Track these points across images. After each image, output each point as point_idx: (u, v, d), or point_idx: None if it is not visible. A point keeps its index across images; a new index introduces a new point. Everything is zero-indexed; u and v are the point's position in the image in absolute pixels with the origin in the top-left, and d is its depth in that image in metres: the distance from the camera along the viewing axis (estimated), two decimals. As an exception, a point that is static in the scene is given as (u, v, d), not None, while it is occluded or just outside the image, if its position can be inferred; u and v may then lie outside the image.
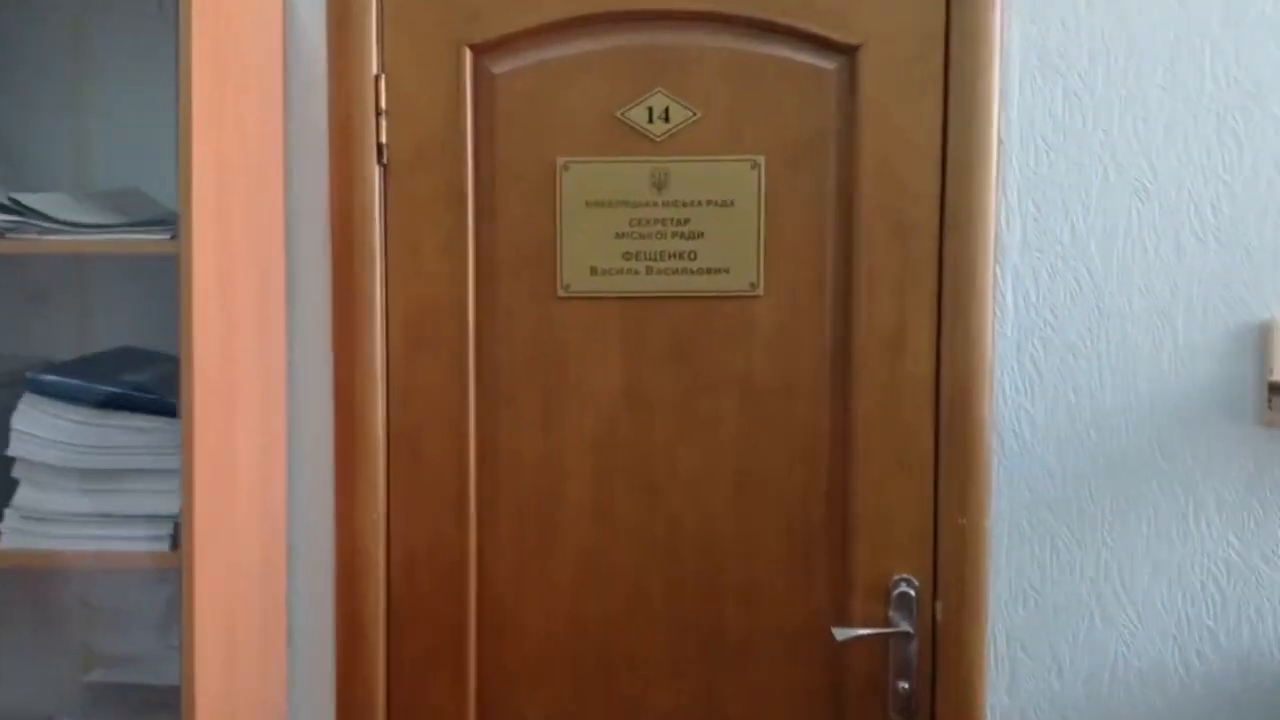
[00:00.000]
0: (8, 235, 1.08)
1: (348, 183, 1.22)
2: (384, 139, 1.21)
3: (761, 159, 1.21)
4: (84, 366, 1.18)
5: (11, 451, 1.10)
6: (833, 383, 1.23)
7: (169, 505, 1.07)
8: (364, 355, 1.23)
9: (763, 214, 1.21)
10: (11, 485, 1.12)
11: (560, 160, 1.22)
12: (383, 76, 1.21)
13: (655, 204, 1.22)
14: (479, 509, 1.26)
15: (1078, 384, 1.20)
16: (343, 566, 1.25)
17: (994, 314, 1.20)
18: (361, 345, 1.23)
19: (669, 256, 1.22)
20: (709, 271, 1.22)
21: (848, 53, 1.19)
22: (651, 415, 1.24)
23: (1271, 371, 1.18)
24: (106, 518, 1.10)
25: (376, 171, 1.22)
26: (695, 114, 1.20)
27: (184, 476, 1.04)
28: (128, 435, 1.10)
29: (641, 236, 1.22)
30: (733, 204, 1.22)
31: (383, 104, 1.21)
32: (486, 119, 1.22)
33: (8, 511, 1.11)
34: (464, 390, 1.24)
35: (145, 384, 1.13)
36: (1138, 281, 1.20)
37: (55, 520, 1.10)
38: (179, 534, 1.06)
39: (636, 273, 1.23)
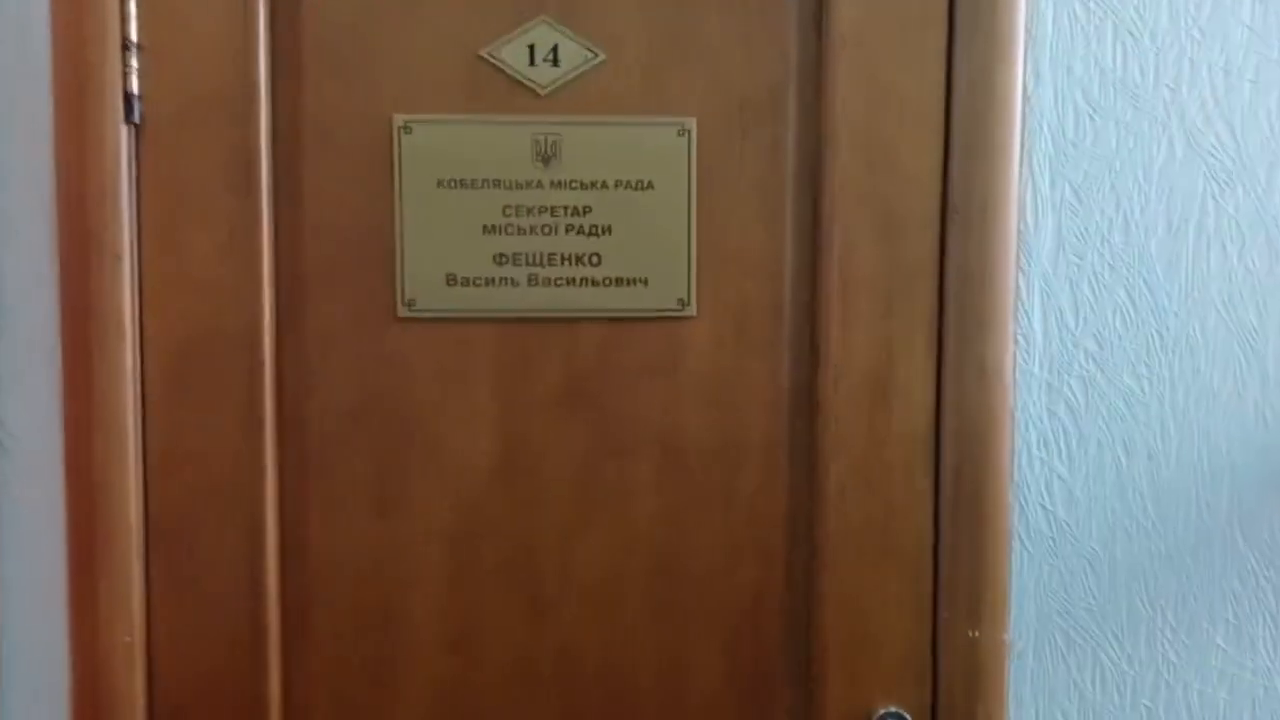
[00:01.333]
0: None
1: (79, 150, 0.88)
2: (135, 86, 0.88)
3: (692, 123, 0.92)
4: None
5: None
6: (792, 442, 0.94)
7: None
8: (107, 405, 0.89)
9: (694, 201, 0.92)
10: None
11: (399, 119, 0.91)
12: (130, -9, 0.90)
13: (540, 184, 0.92)
14: (283, 632, 0.93)
15: (1131, 441, 0.94)
16: (81, 714, 0.92)
17: (1016, 344, 0.95)
18: (103, 390, 0.89)
19: (561, 261, 0.93)
20: (619, 283, 0.93)
21: (814, -29, 0.93)
22: (536, 492, 0.93)
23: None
24: None
25: (124, 134, 0.88)
26: (597, 55, 0.90)
27: None
28: None
29: (521, 232, 0.93)
30: (651, 186, 0.93)
31: (133, 34, 0.88)
32: (290, 60, 0.90)
33: None
34: (258, 456, 0.91)
35: None
36: (1214, 299, 0.94)
37: None
38: None
39: (514, 284, 0.92)
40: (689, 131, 0.92)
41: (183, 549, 0.92)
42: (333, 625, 0.94)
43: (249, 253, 0.91)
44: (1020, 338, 0.93)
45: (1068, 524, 0.94)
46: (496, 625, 0.94)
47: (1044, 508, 0.94)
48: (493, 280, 0.93)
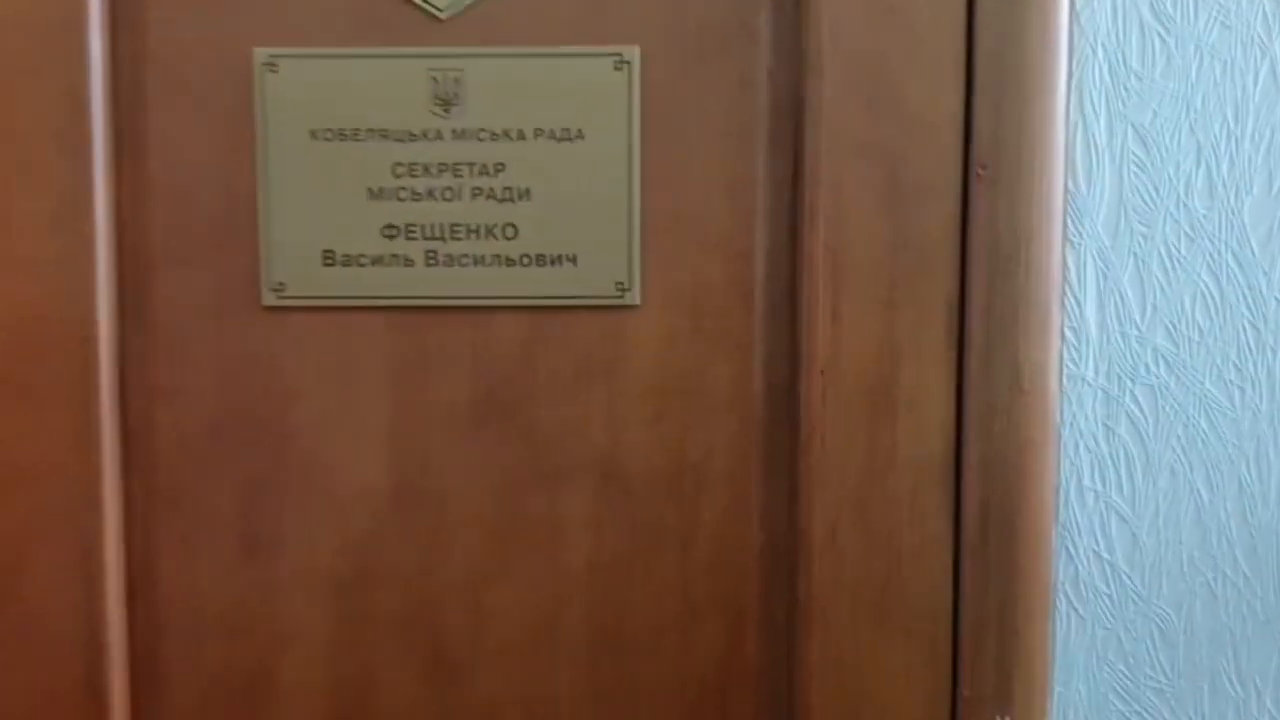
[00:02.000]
0: None
1: None
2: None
3: (634, 53, 0.74)
4: None
5: None
6: (767, 468, 0.76)
7: None
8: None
9: (637, 155, 0.73)
10: None
11: (260, 55, 0.74)
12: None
13: (440, 135, 0.75)
14: (130, 698, 0.77)
15: (1215, 469, 0.75)
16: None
17: (1063, 341, 0.77)
18: (-95, 396, 0.79)
19: (468, 233, 0.75)
20: (541, 261, 0.75)
21: None
22: (442, 528, 0.77)
23: None
24: None
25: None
26: (513, -32, 0.76)
27: None
28: None
29: (416, 196, 0.75)
30: (581, 136, 0.76)
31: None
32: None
33: None
34: (96, 479, 0.75)
35: None
36: (1331, 281, 0.75)
37: None
38: None
39: (408, 262, 0.75)
40: (630, 64, 0.74)
41: (0, 594, 0.81)
42: (191, 689, 0.79)
43: (80, 224, 0.77)
44: (1069, 333, 0.75)
45: (1130, 578, 0.76)
46: (391, 692, 0.77)
47: (1099, 556, 0.76)
48: (382, 258, 0.76)
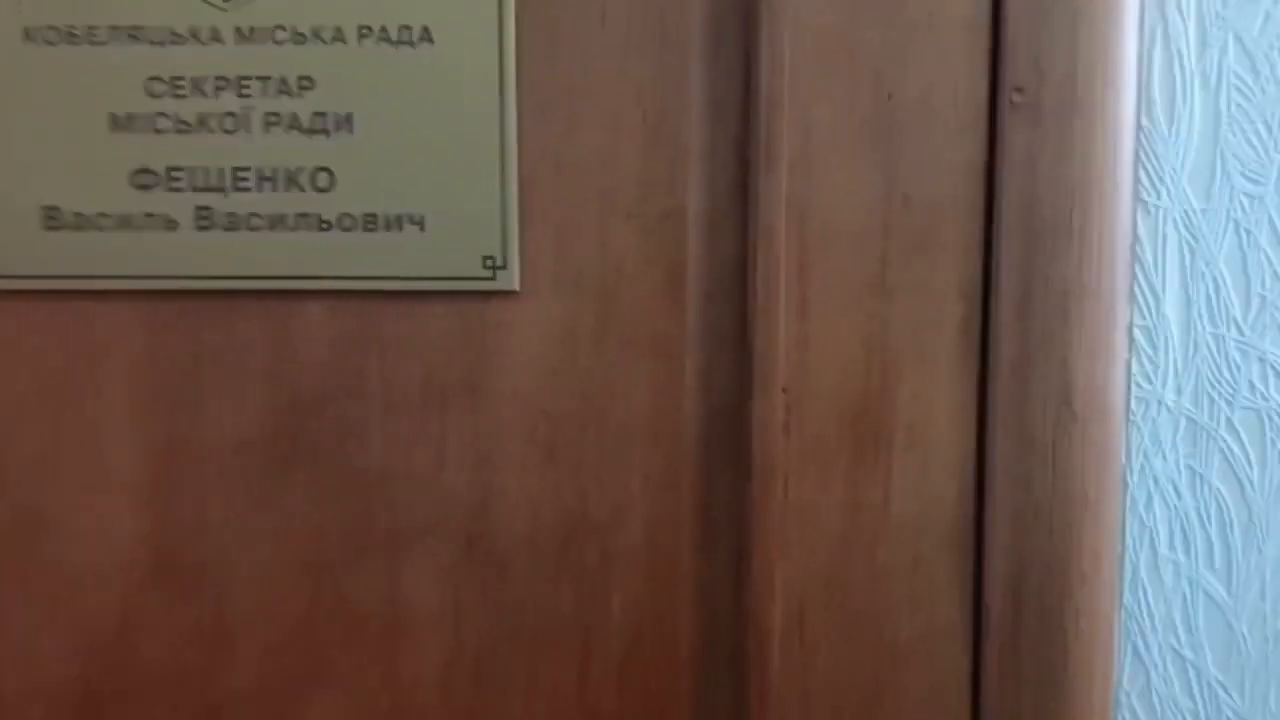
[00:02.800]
0: None
1: None
2: None
3: (509, -84, 0.59)
4: None
5: None
6: (705, 525, 0.56)
7: None
8: None
9: (512, 68, 0.52)
10: None
11: (-55, -91, 0.59)
12: None
13: (219, 35, 0.52)
14: None
15: None
16: None
17: (1132, 348, 0.58)
18: None
19: (261, 181, 0.53)
20: (370, 224, 0.53)
21: None
22: (225, 619, 0.55)
23: None
24: None
25: None
26: None
27: None
28: None
29: (183, 127, 0.52)
30: (429, 38, 0.55)
31: None
32: None
33: None
34: None
35: None
36: None
37: None
38: None
39: (171, 224, 0.52)
40: (500, -68, 0.58)
41: None
42: None
43: None
44: (1139, 336, 0.57)
45: (1225, 688, 0.57)
46: None
47: (1180, 656, 0.58)
48: (131, 219, 0.54)
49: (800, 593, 0.56)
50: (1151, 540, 0.57)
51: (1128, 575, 0.57)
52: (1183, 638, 0.57)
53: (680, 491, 0.55)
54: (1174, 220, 0.55)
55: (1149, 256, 0.55)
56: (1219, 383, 0.55)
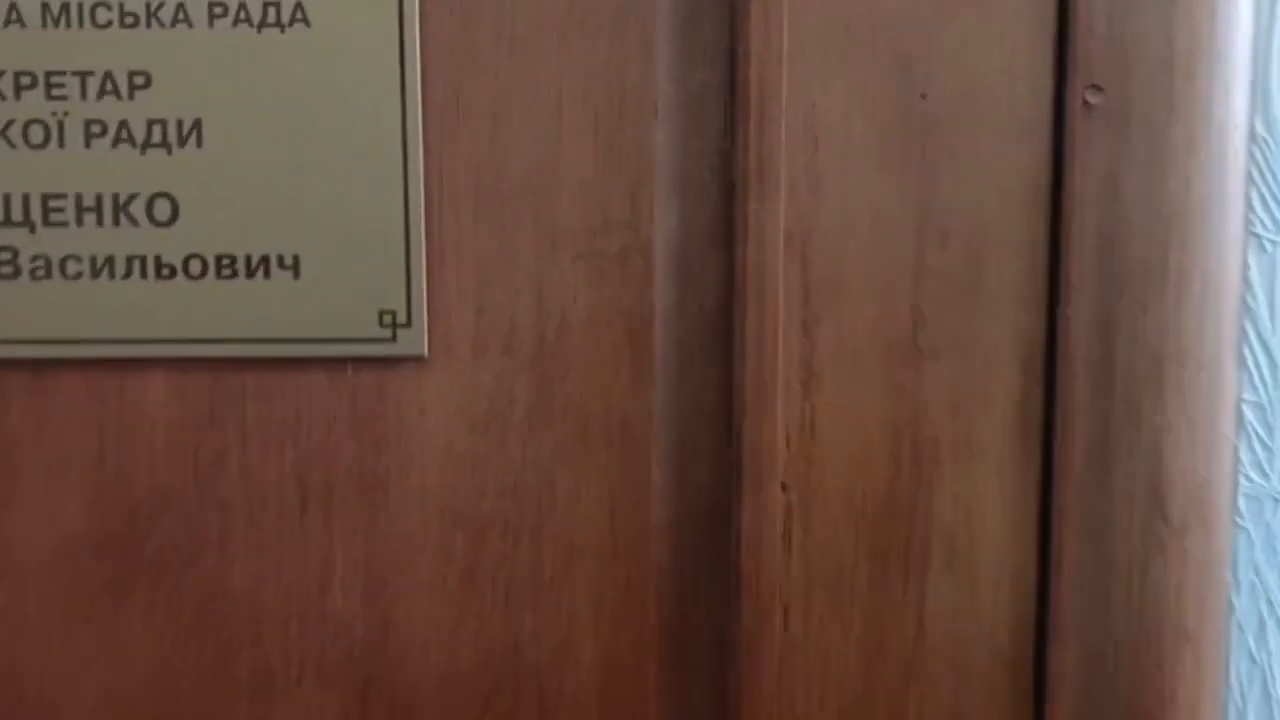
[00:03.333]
0: None
1: None
2: None
3: None
4: None
5: None
6: (679, 678, 0.41)
7: None
8: None
9: (416, 54, 0.39)
10: None
11: None
12: None
13: (19, 14, 0.38)
14: None
15: None
16: None
17: (1239, 430, 0.42)
18: None
19: (81, 212, 0.38)
20: (226, 268, 0.38)
21: None
22: None
23: None
24: None
25: None
26: None
27: None
28: None
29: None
30: (303, 19, 0.40)
31: None
32: None
33: None
34: None
35: None
36: None
37: None
38: None
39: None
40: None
41: None
42: None
43: None
44: (1249, 414, 0.43)
45: None
46: None
47: None
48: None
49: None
50: (1264, 682, 0.44)
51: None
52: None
53: (644, 624, 0.41)
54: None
55: (1263, 309, 0.43)
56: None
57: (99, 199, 0.41)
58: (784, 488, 0.42)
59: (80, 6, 0.40)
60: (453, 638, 0.43)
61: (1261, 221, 0.43)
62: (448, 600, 0.43)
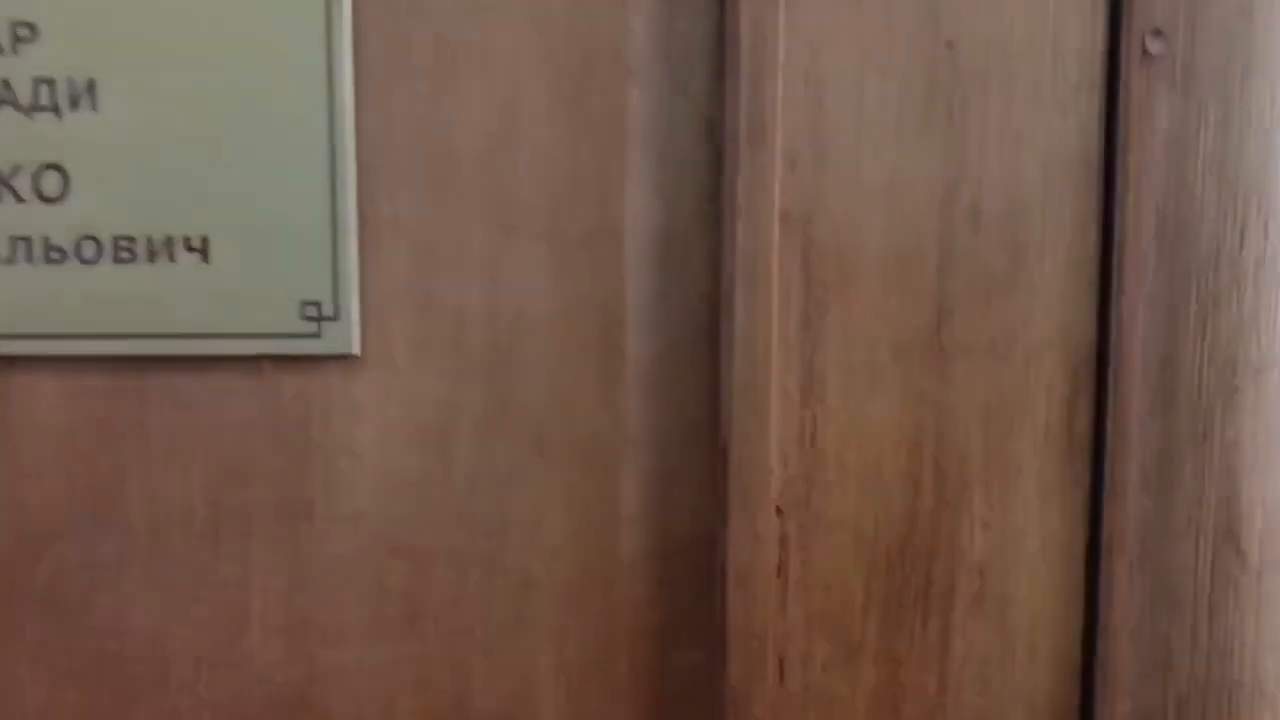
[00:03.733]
0: None
1: None
2: None
3: None
4: None
5: None
6: None
7: None
8: None
9: (347, 11, 0.36)
10: None
11: None
12: None
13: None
14: None
15: None
16: None
17: None
18: None
19: None
20: (125, 252, 0.33)
21: None
22: None
23: None
24: None
25: None
26: None
27: None
28: None
29: None
30: None
31: None
32: None
33: None
34: None
35: None
36: None
37: None
38: None
39: None
40: None
41: None
42: None
43: None
44: None
45: None
46: None
47: None
48: None
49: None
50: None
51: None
52: None
53: (615, 674, 0.35)
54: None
55: None
56: None
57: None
58: (780, 513, 0.36)
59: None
60: (389, 687, 0.37)
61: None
62: (384, 643, 0.37)
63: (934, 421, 0.36)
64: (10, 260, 0.35)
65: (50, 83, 0.35)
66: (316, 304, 0.36)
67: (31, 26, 0.35)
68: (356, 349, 0.36)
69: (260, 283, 0.35)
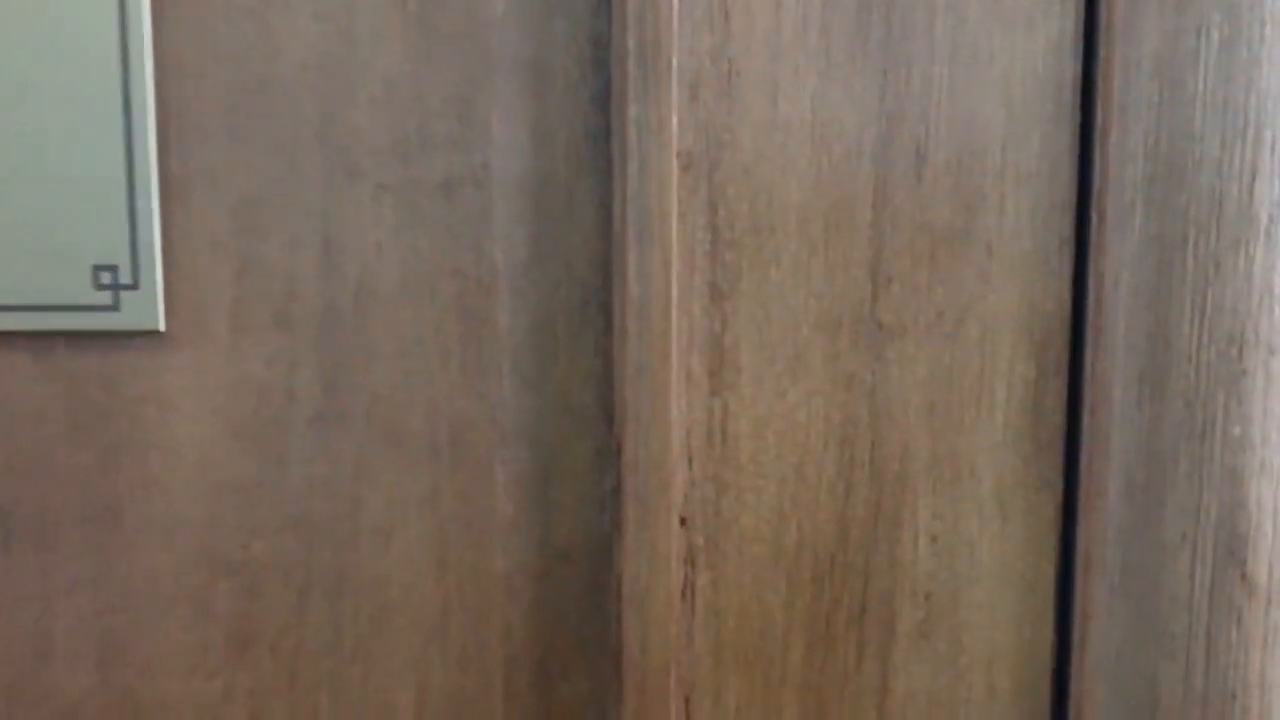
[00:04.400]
0: None
1: None
2: None
3: None
4: None
5: None
6: None
7: None
8: None
9: None
10: None
11: None
12: None
13: None
14: None
15: None
16: None
17: None
18: None
19: None
20: None
21: None
22: None
23: None
24: None
25: None
26: None
27: None
28: None
29: None
30: None
31: None
32: None
33: None
34: None
35: None
36: None
37: None
38: None
39: None
40: None
41: None
42: None
43: None
44: None
45: None
46: None
47: None
48: None
49: None
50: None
51: None
52: None
53: (487, 713, 0.30)
54: None
55: None
56: None
57: None
58: (684, 522, 0.31)
59: None
60: None
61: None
62: (210, 676, 0.32)
63: (869, 412, 0.30)
64: None
65: None
66: (112, 269, 0.30)
67: None
68: (162, 324, 0.30)
69: (47, 247, 0.29)
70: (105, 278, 0.30)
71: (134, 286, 0.30)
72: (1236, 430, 0.28)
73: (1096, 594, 0.29)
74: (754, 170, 0.29)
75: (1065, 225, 0.29)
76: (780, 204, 0.29)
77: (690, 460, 0.30)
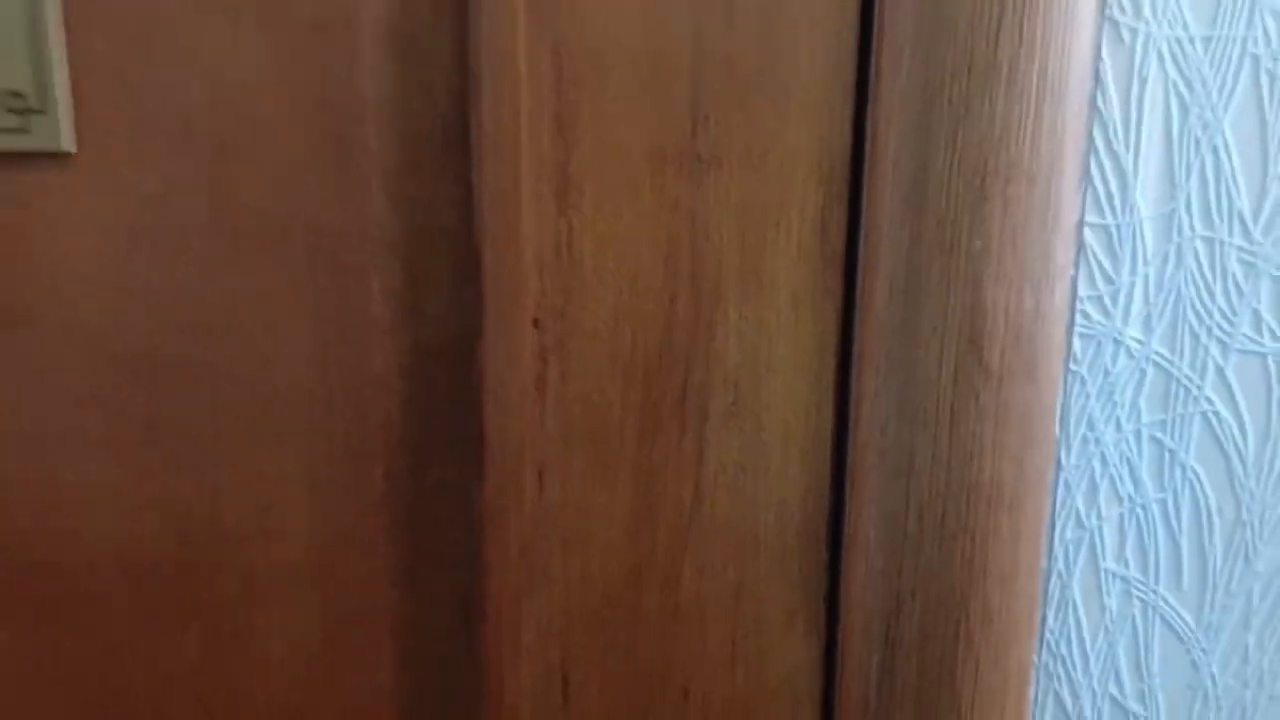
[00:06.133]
0: None
1: None
2: None
3: None
4: None
5: None
6: (409, 556, 0.35)
7: None
8: None
9: None
10: None
11: None
12: None
13: None
14: None
15: None
16: None
17: (1076, 256, 0.34)
18: None
19: None
20: None
21: None
22: None
23: None
24: None
25: None
26: None
27: None
28: None
29: None
30: None
31: None
32: None
33: None
34: None
35: None
36: None
37: None
38: None
39: None
40: None
41: None
42: None
43: None
44: (1091, 240, 0.37)
45: None
46: None
47: (1125, 710, 0.42)
48: None
49: (563, 647, 0.36)
50: (1092, 548, 0.40)
51: (1053, 599, 0.42)
52: (1128, 685, 0.42)
53: (370, 490, 0.35)
54: (1158, 53, 0.37)
55: (1115, 113, 0.38)
56: (1208, 314, 0.39)
57: None
58: (537, 324, 0.36)
59: None
60: (132, 503, 0.38)
61: (1120, 3, 0.38)
62: (122, 460, 0.37)
63: (689, 231, 0.36)
64: None
65: None
66: (21, 95, 0.33)
67: None
68: (70, 144, 0.34)
69: (-48, 67, 0.33)
70: (16, 103, 0.33)
71: (42, 111, 0.33)
72: (978, 244, 0.35)
73: (867, 380, 0.36)
74: (591, 16, 0.33)
75: (849, 72, 0.34)
76: (614, 46, 0.34)
77: (541, 271, 0.35)
